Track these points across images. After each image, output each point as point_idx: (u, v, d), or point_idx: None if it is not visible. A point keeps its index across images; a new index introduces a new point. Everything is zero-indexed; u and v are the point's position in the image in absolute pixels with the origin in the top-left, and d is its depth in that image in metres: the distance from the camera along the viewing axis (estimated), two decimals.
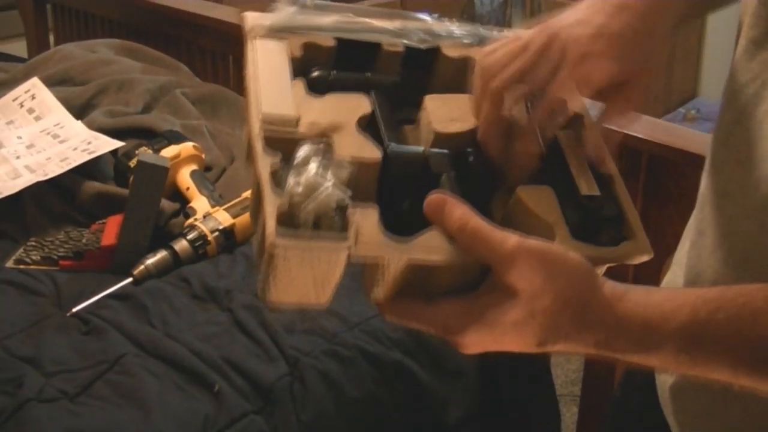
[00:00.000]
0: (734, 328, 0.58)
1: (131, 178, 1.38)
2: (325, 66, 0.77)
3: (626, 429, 0.96)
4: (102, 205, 1.44)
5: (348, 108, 0.70)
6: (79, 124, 1.62)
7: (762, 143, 0.66)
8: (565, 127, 0.72)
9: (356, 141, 0.67)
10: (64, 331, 1.19)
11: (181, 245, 1.33)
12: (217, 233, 1.36)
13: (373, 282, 0.64)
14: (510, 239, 0.61)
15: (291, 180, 0.61)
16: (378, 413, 1.14)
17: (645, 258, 0.65)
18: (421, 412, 1.18)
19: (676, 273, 0.83)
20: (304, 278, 0.62)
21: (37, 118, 1.65)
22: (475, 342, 0.63)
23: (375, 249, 0.61)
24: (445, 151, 0.71)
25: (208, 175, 1.55)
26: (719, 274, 0.72)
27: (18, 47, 2.74)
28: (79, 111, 1.71)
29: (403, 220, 0.64)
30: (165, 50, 2.09)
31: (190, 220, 1.39)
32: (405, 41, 0.78)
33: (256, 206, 0.66)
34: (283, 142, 0.66)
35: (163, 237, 1.37)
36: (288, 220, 0.60)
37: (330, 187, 0.60)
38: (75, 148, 1.52)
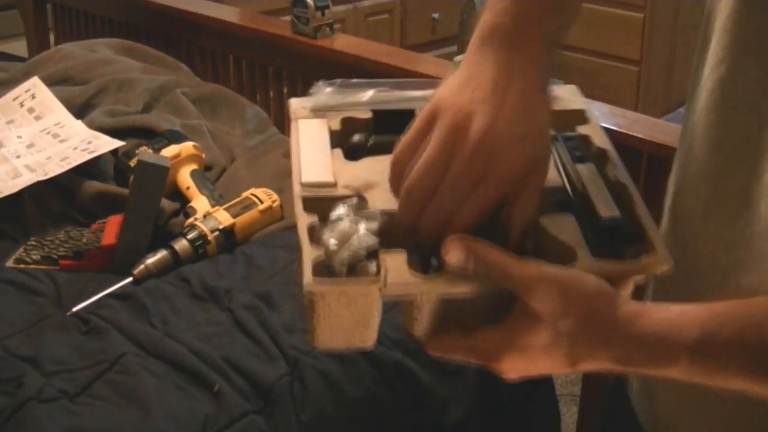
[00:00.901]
0: (741, 338, 0.60)
1: (131, 178, 1.38)
2: (364, 133, 0.82)
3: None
4: (102, 204, 1.44)
5: (382, 168, 0.74)
6: (79, 124, 1.62)
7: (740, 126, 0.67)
8: (584, 160, 0.75)
9: (388, 195, 0.71)
10: (64, 330, 1.19)
11: (181, 245, 1.33)
12: (217, 233, 1.36)
13: (411, 320, 0.68)
14: (528, 267, 0.63)
15: (326, 233, 0.67)
16: (378, 413, 1.14)
17: (665, 268, 0.67)
18: (421, 412, 1.18)
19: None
20: (346, 321, 0.67)
21: (38, 118, 1.65)
22: (513, 368, 0.66)
23: (404, 286, 0.65)
24: None
25: (208, 175, 1.55)
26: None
27: (18, 47, 2.75)
28: (80, 110, 1.71)
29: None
30: (165, 50, 2.09)
31: (190, 220, 1.39)
32: None
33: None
34: (321, 202, 0.71)
35: (163, 236, 1.37)
36: (324, 269, 0.65)
37: (361, 235, 0.66)
38: (75, 148, 1.52)
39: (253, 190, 1.45)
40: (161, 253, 1.32)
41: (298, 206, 0.72)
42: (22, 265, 1.33)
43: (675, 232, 0.78)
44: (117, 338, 1.16)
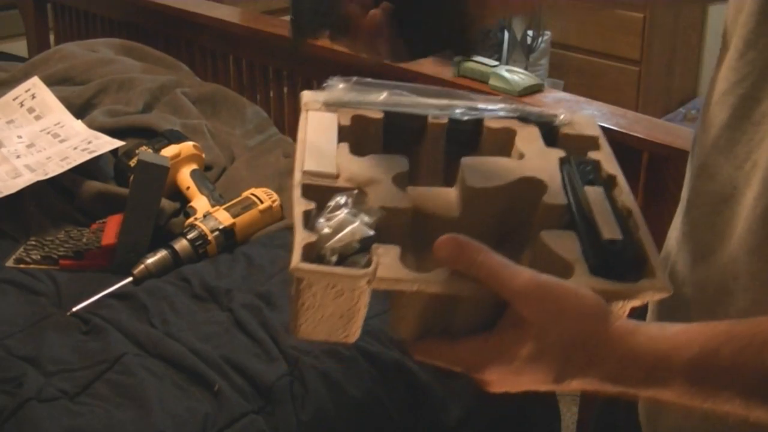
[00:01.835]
0: (742, 359, 0.58)
1: (131, 178, 1.38)
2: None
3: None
4: (102, 204, 1.44)
5: (386, 166, 0.74)
6: (79, 124, 1.62)
7: (763, 145, 0.66)
8: (594, 184, 0.75)
9: (389, 192, 0.71)
10: (64, 330, 1.19)
11: (181, 245, 1.33)
12: (217, 233, 1.36)
13: (398, 320, 0.67)
14: (522, 274, 0.61)
15: (321, 220, 0.66)
16: (378, 413, 1.14)
17: (663, 295, 0.66)
18: (421, 412, 1.18)
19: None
20: (331, 311, 0.66)
21: (38, 118, 1.65)
22: (497, 379, 0.64)
23: (393, 281, 0.63)
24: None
25: (208, 175, 1.55)
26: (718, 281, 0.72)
27: (18, 47, 2.74)
28: (80, 110, 1.71)
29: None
30: (165, 50, 2.09)
31: (191, 220, 1.39)
32: (449, 114, 0.83)
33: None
34: (320, 192, 0.70)
35: (163, 236, 1.37)
36: (313, 254, 0.64)
37: (356, 226, 0.64)
38: (75, 148, 1.52)
39: (253, 190, 1.45)
40: (161, 253, 1.32)
41: (297, 192, 0.70)
42: (22, 265, 1.33)
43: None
44: (117, 338, 1.16)
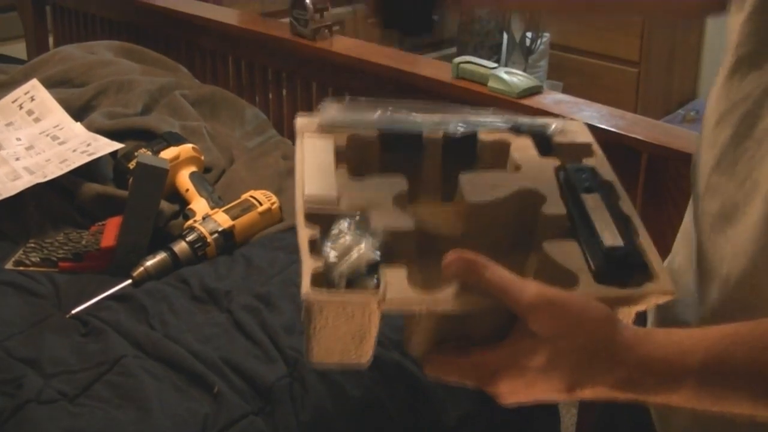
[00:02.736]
0: (750, 359, 0.59)
1: (131, 180, 1.38)
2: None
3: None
4: (101, 206, 1.44)
5: (385, 187, 0.76)
6: (78, 126, 1.62)
7: (764, 162, 0.66)
8: (591, 191, 0.76)
9: (391, 214, 0.72)
10: (63, 332, 1.19)
11: (181, 247, 1.33)
12: (216, 235, 1.36)
13: (410, 337, 0.68)
14: (529, 288, 0.62)
15: (327, 246, 0.67)
16: (378, 413, 1.14)
17: (667, 298, 0.67)
18: (421, 412, 1.18)
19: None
20: (343, 335, 0.67)
21: (37, 120, 1.65)
22: (510, 390, 0.64)
23: (403, 301, 0.65)
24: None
25: (207, 177, 1.55)
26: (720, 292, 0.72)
27: (17, 49, 2.74)
28: (79, 112, 1.71)
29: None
30: (165, 51, 2.09)
31: (190, 222, 1.40)
32: (443, 128, 0.85)
33: None
34: (323, 218, 0.71)
35: (162, 238, 1.37)
36: (323, 280, 0.65)
37: (362, 249, 0.66)
38: (74, 150, 1.52)
39: (252, 192, 1.45)
40: (160, 256, 1.32)
41: (300, 219, 0.72)
42: (21, 267, 1.33)
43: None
44: (116, 340, 1.16)
